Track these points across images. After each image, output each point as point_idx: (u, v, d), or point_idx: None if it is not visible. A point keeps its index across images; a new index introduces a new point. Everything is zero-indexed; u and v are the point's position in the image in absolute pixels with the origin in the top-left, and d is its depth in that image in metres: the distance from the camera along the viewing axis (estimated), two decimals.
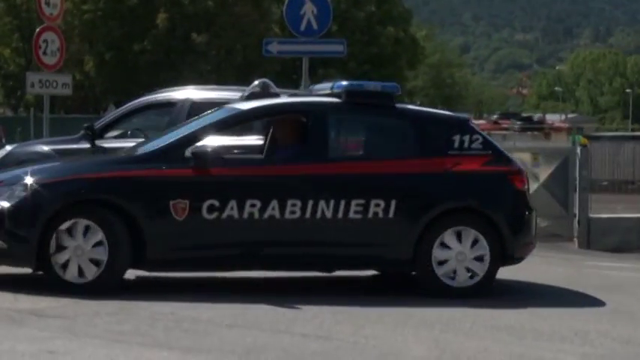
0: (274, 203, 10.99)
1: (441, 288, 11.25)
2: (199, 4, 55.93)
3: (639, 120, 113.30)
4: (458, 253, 11.22)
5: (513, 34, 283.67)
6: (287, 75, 51.64)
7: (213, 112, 11.98)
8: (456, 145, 11.88)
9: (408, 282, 11.66)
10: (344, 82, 12.42)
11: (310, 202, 11.09)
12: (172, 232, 10.82)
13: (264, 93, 12.72)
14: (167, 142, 11.31)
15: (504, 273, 11.40)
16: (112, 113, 15.86)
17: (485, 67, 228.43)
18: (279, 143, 11.54)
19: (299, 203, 11.09)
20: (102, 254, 10.53)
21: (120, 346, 8.14)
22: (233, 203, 10.86)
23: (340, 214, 11.18)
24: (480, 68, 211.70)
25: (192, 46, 55.40)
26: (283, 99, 12.54)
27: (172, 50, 56.05)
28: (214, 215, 10.83)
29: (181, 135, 11.37)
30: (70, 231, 10.57)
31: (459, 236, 11.33)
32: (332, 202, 11.19)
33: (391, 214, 11.31)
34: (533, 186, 20.51)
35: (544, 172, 20.46)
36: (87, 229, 10.58)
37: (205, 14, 55.97)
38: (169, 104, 14.51)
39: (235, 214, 10.89)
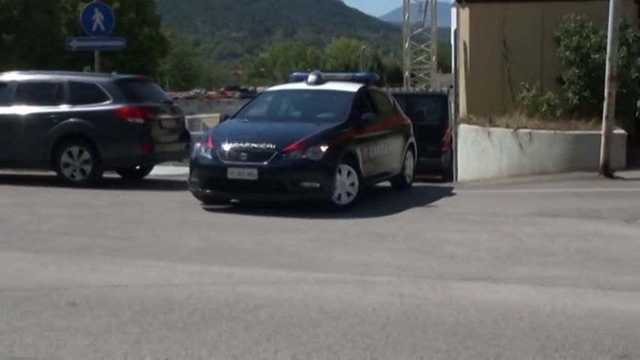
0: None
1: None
2: (7, 13, 53.87)
3: None
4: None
5: (230, 32, 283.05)
6: (73, 63, 50.27)
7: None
8: (394, 106, 13.95)
9: None
10: (364, 73, 14.42)
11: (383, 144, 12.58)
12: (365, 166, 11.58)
13: (321, 79, 12.89)
14: (349, 113, 11.91)
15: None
16: None
17: (211, 55, 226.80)
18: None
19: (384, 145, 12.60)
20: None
21: None
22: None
23: (387, 150, 12.77)
24: (208, 56, 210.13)
25: (3, 44, 53.36)
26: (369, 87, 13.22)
27: None
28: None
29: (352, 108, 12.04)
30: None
31: None
32: (388, 144, 12.81)
33: (398, 148, 13.17)
34: None
35: None
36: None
37: (12, 20, 53.92)
38: (2, 84, 14.25)
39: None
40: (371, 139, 12.08)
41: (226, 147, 10.91)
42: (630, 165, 14.87)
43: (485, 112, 16.60)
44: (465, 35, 18.44)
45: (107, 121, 13.45)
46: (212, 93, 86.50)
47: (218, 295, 6.21)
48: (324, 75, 13.10)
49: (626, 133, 15.09)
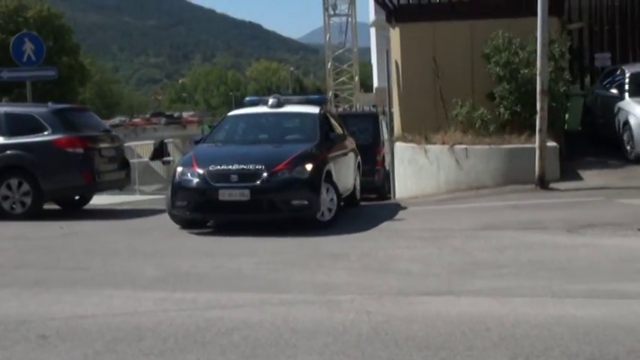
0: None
1: None
2: None
3: None
4: None
5: (148, 58, 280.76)
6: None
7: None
8: (342, 126, 14.57)
9: None
10: (317, 96, 15.20)
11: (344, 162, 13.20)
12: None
13: (280, 103, 13.28)
14: (319, 133, 12.41)
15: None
16: None
17: (130, 82, 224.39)
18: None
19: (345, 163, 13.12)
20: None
21: None
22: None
23: (347, 169, 13.30)
24: (127, 83, 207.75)
25: None
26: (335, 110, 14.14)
27: None
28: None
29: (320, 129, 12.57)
30: None
31: None
32: (347, 162, 13.42)
33: (352, 166, 13.92)
34: None
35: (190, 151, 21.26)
36: None
37: None
38: None
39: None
40: (337, 158, 12.53)
41: (214, 169, 11.02)
42: (563, 176, 15.30)
43: (420, 130, 16.88)
44: (396, 55, 18.74)
45: (46, 152, 13.31)
46: (137, 120, 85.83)
47: (187, 320, 6.24)
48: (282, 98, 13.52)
49: (558, 146, 15.53)
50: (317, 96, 15.34)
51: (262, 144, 12.31)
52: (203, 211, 11.12)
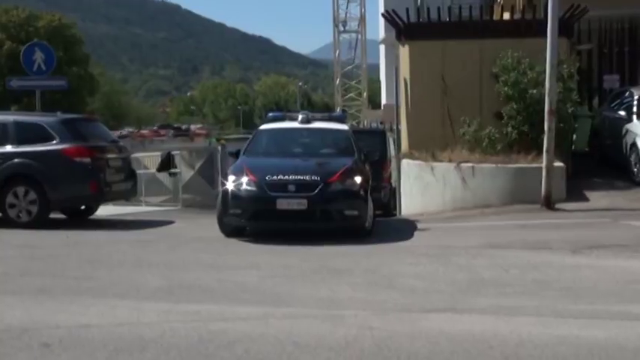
0: None
1: None
2: None
3: (245, 127, 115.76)
4: None
5: (157, 70, 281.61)
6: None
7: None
8: None
9: None
10: (338, 113, 16.33)
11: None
12: None
13: (309, 119, 13.67)
14: (355, 148, 13.00)
15: None
16: None
17: (139, 93, 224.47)
18: None
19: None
20: None
21: None
22: None
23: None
24: (136, 95, 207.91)
25: None
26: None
27: None
28: None
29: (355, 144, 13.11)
30: None
31: None
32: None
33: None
34: (190, 172, 21.34)
35: (197, 163, 21.36)
36: None
37: None
38: None
39: None
40: (369, 172, 12.92)
41: (271, 179, 11.34)
42: (570, 197, 15.29)
43: (427, 148, 16.90)
44: (405, 72, 18.78)
45: (54, 161, 13.36)
46: (145, 132, 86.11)
47: (190, 332, 6.23)
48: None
49: (564, 166, 15.52)
50: (338, 113, 15.81)
51: (305, 157, 12.56)
52: (259, 220, 11.44)
